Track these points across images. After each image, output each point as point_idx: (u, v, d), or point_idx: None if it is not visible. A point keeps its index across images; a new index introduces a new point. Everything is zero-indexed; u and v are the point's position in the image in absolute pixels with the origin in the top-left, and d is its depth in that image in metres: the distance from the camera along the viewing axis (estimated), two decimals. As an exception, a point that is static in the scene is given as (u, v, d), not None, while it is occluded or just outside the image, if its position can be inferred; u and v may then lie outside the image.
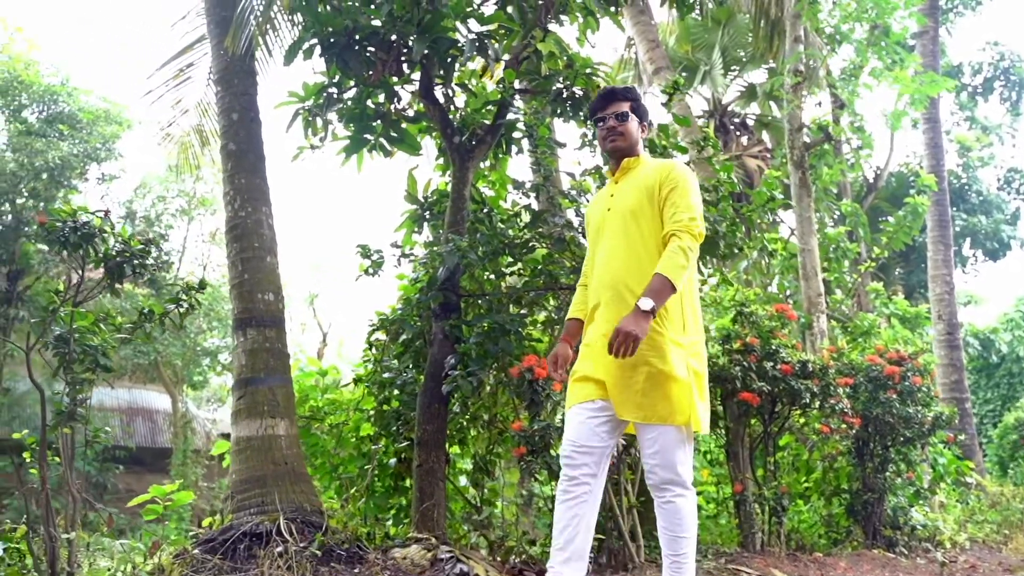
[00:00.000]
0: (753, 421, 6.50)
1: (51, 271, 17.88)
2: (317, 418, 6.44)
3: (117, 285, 4.07)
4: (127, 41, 45.28)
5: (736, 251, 5.60)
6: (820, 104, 13.31)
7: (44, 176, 16.80)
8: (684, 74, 17.38)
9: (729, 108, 18.37)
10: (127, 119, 18.53)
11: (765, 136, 18.32)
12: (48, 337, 3.85)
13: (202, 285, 4.47)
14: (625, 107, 3.33)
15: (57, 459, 4.01)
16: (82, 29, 44.20)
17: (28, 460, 4.23)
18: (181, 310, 4.39)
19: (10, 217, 17.44)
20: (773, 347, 6.24)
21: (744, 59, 17.80)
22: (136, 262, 4.09)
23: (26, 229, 17.35)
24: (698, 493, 7.82)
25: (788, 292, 10.61)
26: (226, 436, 22.29)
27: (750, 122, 18.52)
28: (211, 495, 18.93)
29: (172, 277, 18.66)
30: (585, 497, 3.09)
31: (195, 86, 9.80)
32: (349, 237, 43.80)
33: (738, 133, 18.32)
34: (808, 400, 6.19)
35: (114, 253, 4.05)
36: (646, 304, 2.94)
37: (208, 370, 21.47)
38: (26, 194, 17.19)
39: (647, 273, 3.07)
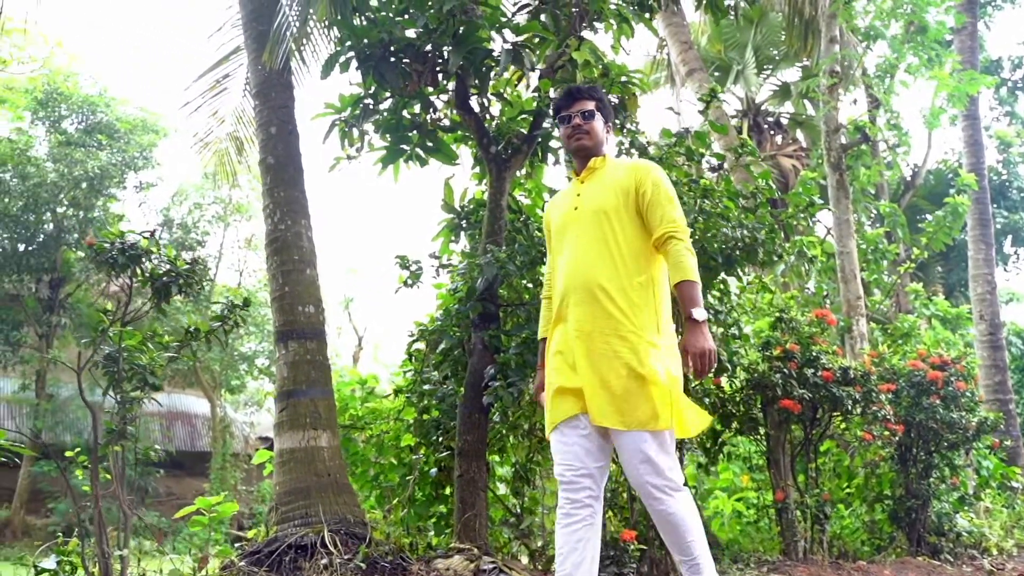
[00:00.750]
0: (794, 427, 6.45)
1: (91, 278, 18.22)
2: (357, 427, 6.49)
3: (164, 304, 4.14)
4: (164, 51, 45.92)
5: (776, 258, 5.56)
6: (855, 102, 13.18)
7: (84, 185, 17.11)
8: (717, 74, 17.29)
9: (763, 107, 18.23)
10: (163, 128, 18.82)
11: (800, 135, 18.17)
12: (98, 356, 3.92)
13: (246, 303, 4.52)
14: (590, 106, 3.27)
15: (108, 475, 4.08)
16: (119, 40, 44.90)
17: (74, 466, 4.30)
18: (227, 327, 4.46)
19: (51, 226, 17.78)
20: (813, 353, 6.19)
21: (777, 57, 17.66)
22: (182, 281, 4.15)
23: (67, 237, 17.68)
24: (738, 499, 7.78)
25: (826, 294, 10.50)
26: (264, 440, 22.56)
27: (784, 121, 18.37)
28: (250, 499, 19.15)
29: (209, 284, 18.89)
30: (590, 520, 3.01)
31: (231, 96, 9.91)
32: (385, 240, 44.07)
33: (772, 132, 18.17)
34: (850, 407, 6.12)
35: (161, 273, 4.12)
36: (700, 314, 2.91)
37: (245, 375, 21.73)
38: (66, 203, 17.52)
39: (621, 274, 3.03)
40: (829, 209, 9.37)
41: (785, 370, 6.02)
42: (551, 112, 6.07)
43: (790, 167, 16.82)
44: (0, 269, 17.33)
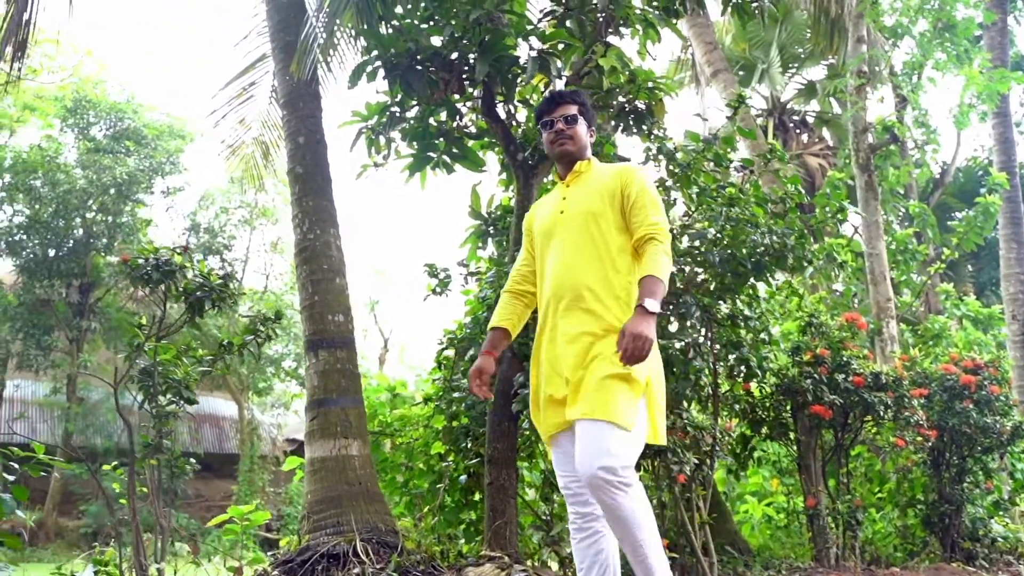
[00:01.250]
0: (825, 433, 6.40)
1: (120, 283, 18.43)
2: (387, 433, 6.52)
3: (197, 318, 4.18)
4: (190, 57, 46.34)
5: (805, 263, 5.52)
6: (883, 100, 13.03)
7: (112, 191, 17.33)
8: (742, 73, 17.20)
9: (788, 106, 18.11)
10: (190, 133, 19.00)
11: (826, 133, 18.03)
12: (134, 371, 3.97)
13: (278, 315, 4.55)
14: (573, 110, 3.25)
15: (144, 489, 4.13)
16: (146, 47, 45.35)
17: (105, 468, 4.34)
18: (259, 340, 4.49)
19: (81, 231, 18.01)
20: (844, 358, 6.14)
21: (802, 56, 17.53)
22: (215, 296, 4.19)
23: (96, 243, 17.90)
24: (767, 504, 7.73)
25: (855, 295, 10.40)
26: (291, 442, 22.68)
27: (810, 119, 18.24)
28: (278, 500, 19.28)
29: (236, 286, 19.03)
30: (603, 530, 2.95)
31: (257, 103, 10.00)
32: (411, 243, 44.21)
33: (798, 131, 18.06)
34: (882, 413, 6.07)
35: (194, 288, 4.16)
36: (652, 305, 2.80)
37: (272, 377, 21.87)
38: (95, 209, 17.75)
39: (609, 276, 3.01)
40: (860, 214, 9.27)
41: (815, 375, 5.98)
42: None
43: (817, 166, 16.72)
44: (31, 274, 17.58)
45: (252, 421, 20.90)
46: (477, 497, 6.09)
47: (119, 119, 17.93)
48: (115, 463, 4.33)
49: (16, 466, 2.99)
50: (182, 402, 4.01)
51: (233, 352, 4.41)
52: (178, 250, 4.18)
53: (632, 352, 2.74)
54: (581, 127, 3.26)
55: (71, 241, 17.91)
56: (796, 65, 17.81)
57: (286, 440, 22.14)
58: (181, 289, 4.16)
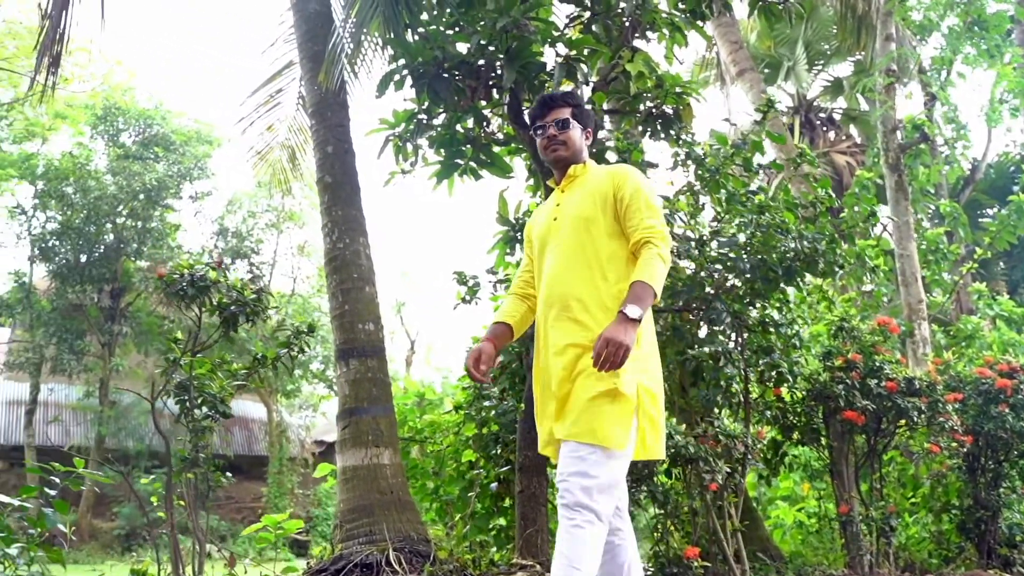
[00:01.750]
0: (857, 438, 6.34)
1: (149, 288, 18.65)
2: (417, 440, 6.54)
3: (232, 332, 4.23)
4: (217, 62, 46.76)
5: (836, 268, 5.47)
6: (910, 96, 12.88)
7: (142, 197, 17.54)
8: (767, 71, 17.07)
9: (814, 103, 17.94)
10: (217, 138, 19.19)
11: (853, 130, 17.85)
12: (170, 386, 4.01)
13: (311, 329, 4.59)
14: (566, 114, 3.11)
15: (182, 503, 4.18)
16: (173, 52, 45.82)
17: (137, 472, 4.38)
18: (292, 355, 4.53)
19: (111, 237, 18.26)
20: (877, 363, 6.08)
21: (828, 52, 17.37)
22: (248, 310, 4.23)
23: (126, 248, 18.13)
24: (799, 508, 7.68)
25: (885, 296, 10.29)
26: (319, 443, 22.77)
27: (837, 117, 18.06)
28: (307, 502, 19.43)
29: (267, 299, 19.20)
30: (620, 542, 2.90)
31: (284, 109, 10.11)
32: (439, 247, 44.34)
33: (825, 129, 17.88)
34: (915, 418, 6.00)
35: (228, 302, 4.20)
36: (633, 312, 2.67)
37: (300, 379, 22.01)
38: (125, 214, 17.97)
39: (598, 285, 2.88)
40: (891, 218, 9.16)
41: (847, 381, 5.92)
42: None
43: (844, 164, 16.55)
44: (64, 280, 17.84)
45: (281, 423, 21.05)
46: (507, 503, 6.10)
47: (148, 126, 18.16)
48: (152, 476, 4.38)
49: (57, 480, 3.04)
50: (218, 416, 4.06)
51: (267, 365, 4.44)
52: (212, 265, 4.22)
53: (605, 358, 2.62)
54: (575, 131, 3.12)
55: (102, 246, 18.16)
56: (822, 62, 17.64)
57: (314, 442, 22.29)
58: (215, 303, 4.20)
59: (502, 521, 6.17)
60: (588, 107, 3.23)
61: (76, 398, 19.44)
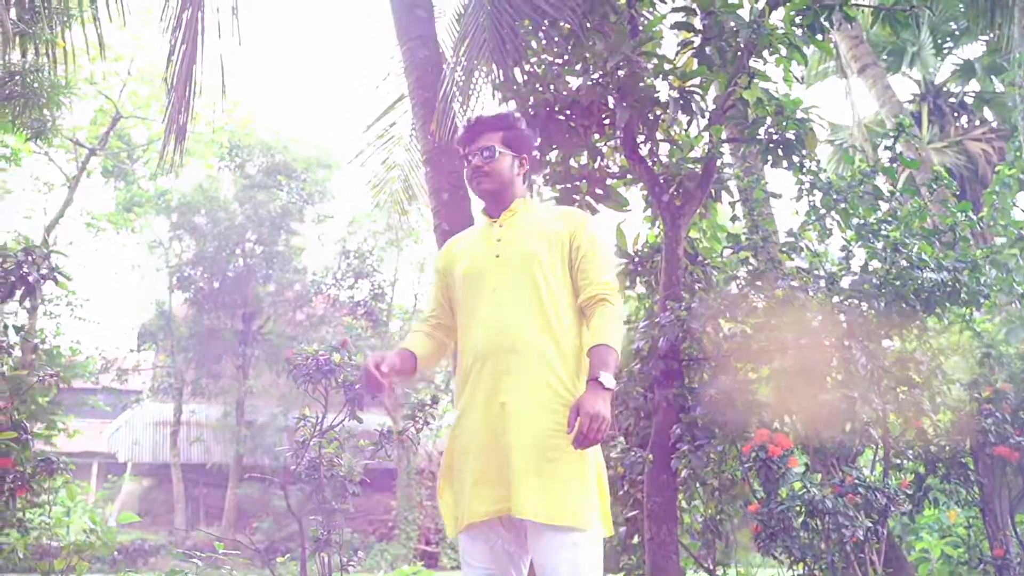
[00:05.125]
0: (1009, 471, 5.94)
1: (279, 311, 19.42)
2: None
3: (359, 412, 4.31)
4: (334, 88, 48.27)
5: (982, 298, 5.13)
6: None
7: (267, 223, 18.27)
8: (889, 58, 16.28)
9: (943, 88, 16.97)
10: (336, 161, 19.79)
11: (988, 114, 16.77)
12: (300, 469, 4.13)
13: (434, 400, 4.63)
14: (494, 140, 2.74)
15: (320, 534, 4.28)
16: (288, 79, 47.56)
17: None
18: (418, 427, 4.58)
19: (241, 263, 19.09)
20: (1030, 393, 5.69)
21: (957, 33, 16.39)
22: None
23: (255, 273, 18.94)
24: (944, 539, 7.27)
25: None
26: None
27: (969, 101, 17.01)
28: (435, 514, 19.76)
29: (386, 308, 19.71)
30: None
31: (398, 141, 10.29)
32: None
33: (956, 114, 16.87)
34: (1079, 453, 5.58)
35: (353, 381, 4.28)
36: (609, 381, 2.44)
37: (423, 391, 22.45)
38: (253, 240, 18.77)
39: (558, 334, 2.60)
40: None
41: (997, 413, 5.56)
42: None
43: (979, 152, 15.58)
44: (200, 307, 18.78)
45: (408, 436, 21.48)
46: (635, 541, 6.01)
47: (270, 155, 18.90)
48: (287, 556, 4.53)
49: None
50: (350, 495, 4.15)
51: (392, 441, 4.51)
52: (336, 347, 4.32)
53: (588, 435, 2.39)
54: (502, 161, 2.74)
55: (233, 273, 19.01)
56: (950, 43, 16.66)
57: (440, 453, 22.66)
58: (340, 382, 4.29)
59: (632, 560, 6.08)
60: (525, 130, 2.86)
61: (215, 418, 20.40)
